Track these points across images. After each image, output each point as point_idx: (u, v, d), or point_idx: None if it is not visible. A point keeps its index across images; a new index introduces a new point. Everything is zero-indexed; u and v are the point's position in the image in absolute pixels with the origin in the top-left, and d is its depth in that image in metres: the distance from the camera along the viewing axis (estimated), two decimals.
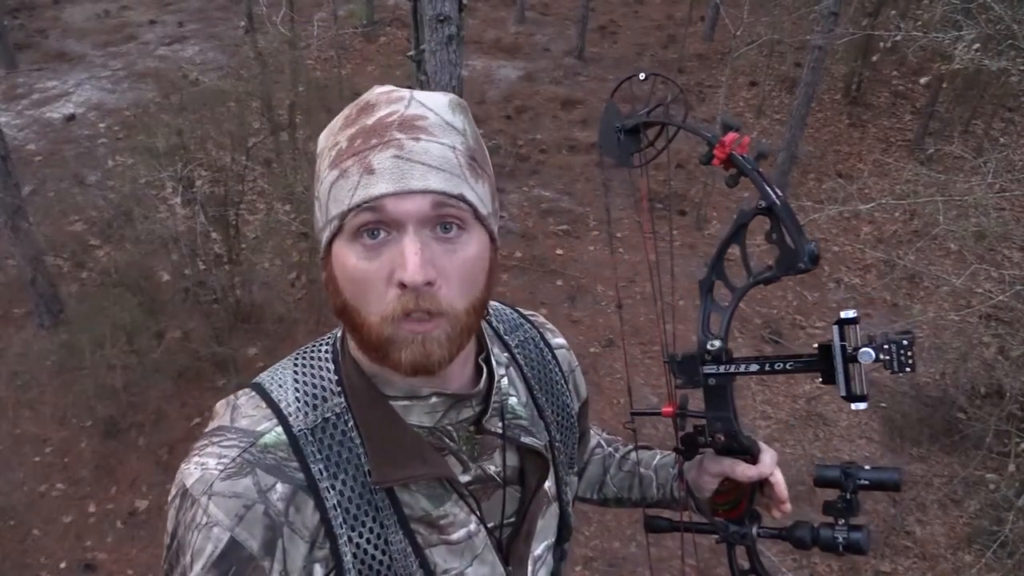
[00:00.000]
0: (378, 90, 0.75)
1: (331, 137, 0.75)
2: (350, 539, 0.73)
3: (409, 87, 0.77)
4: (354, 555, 0.73)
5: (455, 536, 0.80)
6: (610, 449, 1.18)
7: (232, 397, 0.79)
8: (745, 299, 0.96)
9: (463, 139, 0.73)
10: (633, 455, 1.15)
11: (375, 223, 0.69)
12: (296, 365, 0.80)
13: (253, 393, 0.78)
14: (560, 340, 1.02)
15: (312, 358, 0.81)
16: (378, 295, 0.70)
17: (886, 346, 0.85)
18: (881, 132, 10.02)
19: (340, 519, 0.73)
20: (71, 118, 9.33)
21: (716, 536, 0.99)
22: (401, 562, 0.75)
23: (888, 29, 7.10)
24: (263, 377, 0.80)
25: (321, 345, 0.83)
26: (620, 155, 1.07)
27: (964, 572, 4.47)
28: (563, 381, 0.98)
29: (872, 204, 5.55)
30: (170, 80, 7.47)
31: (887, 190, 7.93)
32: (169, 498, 0.74)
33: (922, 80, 8.95)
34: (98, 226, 6.91)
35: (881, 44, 8.03)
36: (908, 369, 0.85)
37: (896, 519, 4.99)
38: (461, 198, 0.71)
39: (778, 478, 0.98)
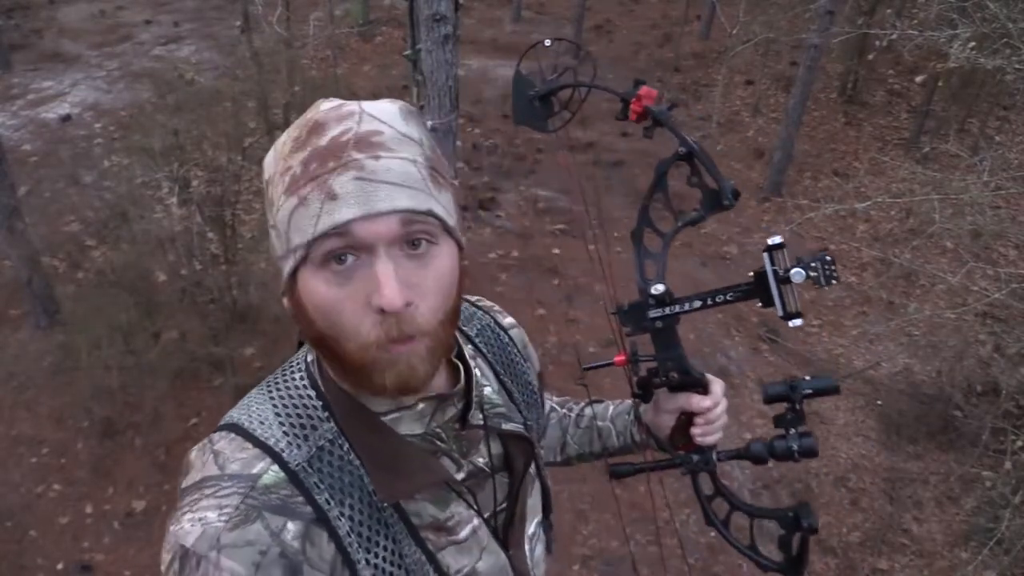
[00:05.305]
0: (324, 106, 0.72)
1: (281, 161, 0.71)
2: (368, 562, 0.72)
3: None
4: None
5: (462, 534, 0.81)
6: (564, 411, 1.20)
7: (207, 443, 0.74)
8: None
9: (421, 150, 0.71)
10: (588, 410, 1.18)
11: (343, 248, 0.67)
12: (273, 397, 0.77)
13: (233, 435, 0.73)
14: (510, 320, 1.04)
15: (288, 387, 0.78)
16: (354, 322, 0.68)
17: (813, 263, 0.90)
18: (877, 130, 10.03)
19: (355, 544, 0.71)
20: (67, 118, 9.31)
21: (681, 469, 1.02)
22: (418, 572, 0.75)
23: (884, 27, 7.11)
24: (237, 416, 0.75)
25: (292, 373, 0.80)
26: (536, 121, 1.10)
27: (960, 569, 4.48)
28: (522, 359, 1.01)
29: (868, 203, 5.57)
30: (166, 80, 7.42)
31: (883, 188, 7.95)
32: (163, 567, 0.67)
33: (918, 79, 8.98)
34: (94, 226, 6.89)
35: (877, 42, 8.06)
36: (834, 281, 0.90)
37: (893, 517, 5.00)
38: (429, 213, 0.69)
39: (724, 405, 1.02)
